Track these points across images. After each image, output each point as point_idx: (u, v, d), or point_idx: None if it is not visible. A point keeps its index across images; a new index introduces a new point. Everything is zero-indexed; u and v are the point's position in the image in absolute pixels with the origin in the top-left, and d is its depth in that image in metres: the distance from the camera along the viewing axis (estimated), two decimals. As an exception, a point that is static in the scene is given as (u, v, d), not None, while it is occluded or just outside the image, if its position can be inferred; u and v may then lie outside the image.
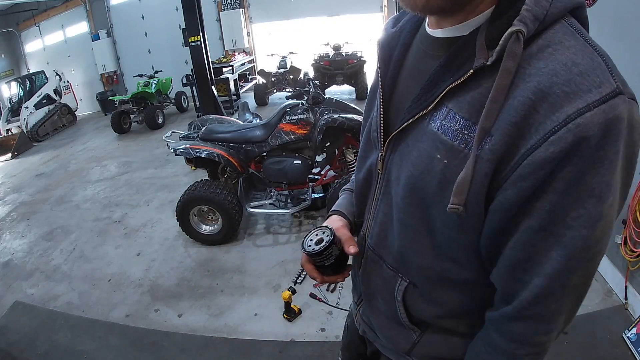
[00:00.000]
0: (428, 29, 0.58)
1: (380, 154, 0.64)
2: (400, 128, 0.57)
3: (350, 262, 0.76)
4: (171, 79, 7.91)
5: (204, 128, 3.06)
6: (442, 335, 0.67)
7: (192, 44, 5.60)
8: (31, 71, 9.40)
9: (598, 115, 0.41)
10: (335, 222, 0.77)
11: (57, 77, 8.38)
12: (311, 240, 0.68)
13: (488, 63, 0.46)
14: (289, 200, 3.05)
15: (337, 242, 0.67)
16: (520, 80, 0.44)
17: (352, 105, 3.03)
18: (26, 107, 7.51)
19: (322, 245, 0.65)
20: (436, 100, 0.51)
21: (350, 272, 0.76)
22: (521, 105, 0.43)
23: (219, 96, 6.26)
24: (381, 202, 0.66)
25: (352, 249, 0.68)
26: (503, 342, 0.56)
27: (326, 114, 2.84)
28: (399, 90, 0.63)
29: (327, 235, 0.66)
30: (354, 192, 0.78)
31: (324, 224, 0.75)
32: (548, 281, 0.48)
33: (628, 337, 1.83)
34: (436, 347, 0.69)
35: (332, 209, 0.83)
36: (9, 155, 6.72)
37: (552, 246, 0.47)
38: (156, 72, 7.64)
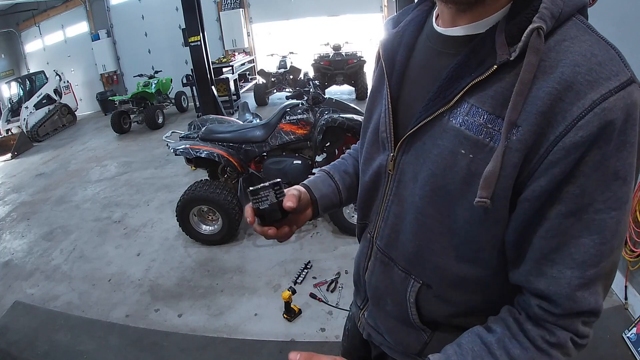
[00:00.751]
0: (438, 28, 0.59)
1: (391, 154, 0.64)
2: (417, 127, 0.57)
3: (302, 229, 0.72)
4: (171, 79, 7.91)
5: (204, 128, 3.06)
6: (454, 333, 0.66)
7: (192, 44, 5.60)
8: (31, 71, 9.41)
9: (619, 100, 0.44)
10: (293, 187, 0.77)
11: (57, 77, 8.39)
12: (259, 186, 0.67)
13: (511, 59, 0.47)
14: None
15: (279, 193, 0.67)
16: (542, 73, 0.46)
17: (352, 105, 3.03)
18: (26, 107, 7.52)
19: (260, 186, 0.66)
20: (457, 97, 0.52)
21: (287, 233, 0.73)
22: (547, 96, 0.45)
23: (219, 96, 6.26)
24: (392, 203, 0.66)
25: (289, 203, 0.67)
26: (539, 339, 0.53)
27: (326, 114, 2.84)
28: (407, 90, 0.63)
29: (272, 181, 0.67)
30: (359, 195, 0.77)
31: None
32: (583, 271, 0.49)
33: (628, 337, 1.83)
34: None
35: (303, 182, 0.83)
36: (9, 155, 6.72)
37: (582, 232, 0.47)
38: (156, 72, 7.64)
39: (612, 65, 0.46)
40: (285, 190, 0.70)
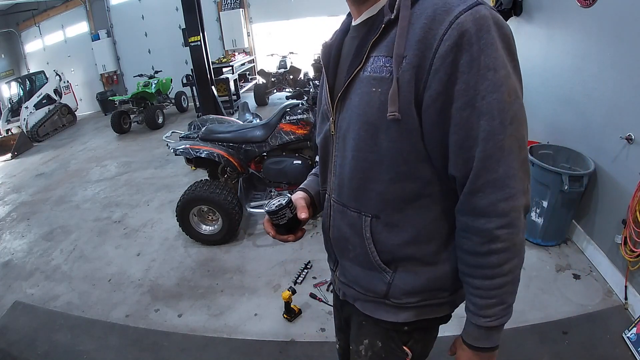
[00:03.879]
0: (353, 22, 0.78)
1: (332, 119, 0.80)
2: (344, 87, 0.73)
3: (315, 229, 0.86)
4: (171, 79, 7.91)
5: (204, 128, 3.06)
6: (412, 270, 0.79)
7: (192, 44, 5.60)
8: (31, 71, 9.41)
9: (468, 16, 0.60)
10: (297, 194, 0.94)
11: (57, 77, 8.38)
12: (273, 203, 0.83)
13: (392, 17, 0.65)
14: (289, 200, 3.04)
15: (292, 208, 0.83)
16: (416, 19, 0.63)
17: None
18: (26, 107, 7.52)
19: (277, 206, 0.81)
20: (365, 55, 0.69)
21: (302, 235, 0.89)
22: (420, 29, 0.62)
23: (219, 96, 6.25)
24: (337, 157, 0.80)
25: (303, 214, 0.84)
26: (472, 220, 0.68)
27: (326, 114, 2.84)
28: (340, 72, 0.79)
29: (284, 200, 0.82)
30: (318, 166, 0.92)
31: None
32: (484, 145, 0.62)
33: (628, 337, 1.83)
34: (409, 283, 0.79)
35: (299, 187, 0.99)
36: (9, 155, 6.72)
37: (479, 117, 0.62)
38: (156, 72, 7.64)
39: None
40: (293, 198, 0.87)
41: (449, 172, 0.69)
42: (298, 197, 0.92)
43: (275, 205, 0.81)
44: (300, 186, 0.99)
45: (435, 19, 0.61)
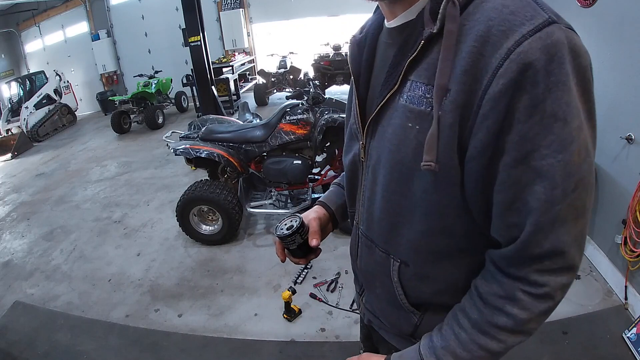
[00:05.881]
0: (386, 23, 0.64)
1: (361, 142, 0.69)
2: (375, 112, 0.62)
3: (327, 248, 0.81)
4: (171, 79, 7.90)
5: (204, 128, 3.05)
6: (443, 314, 0.67)
7: (192, 44, 5.60)
8: (31, 71, 9.41)
9: (535, 41, 0.44)
10: (311, 213, 0.85)
11: (57, 77, 8.38)
12: (285, 224, 0.78)
13: (434, 31, 0.51)
14: (289, 201, 3.05)
15: (303, 233, 0.77)
16: (464, 36, 0.49)
17: (352, 105, 3.02)
18: (26, 107, 7.52)
19: (288, 231, 0.75)
20: (400, 77, 0.56)
21: (315, 257, 0.82)
22: (468, 55, 0.48)
23: (219, 96, 6.26)
24: (366, 188, 0.70)
25: (314, 241, 0.77)
26: (501, 276, 0.56)
27: (326, 114, 2.84)
28: (373, 84, 0.68)
29: (296, 224, 0.76)
30: (345, 186, 0.83)
31: (304, 213, 0.85)
32: (536, 218, 0.49)
33: (628, 337, 1.83)
34: None
35: (319, 199, 0.91)
36: (9, 155, 6.72)
37: (534, 179, 0.48)
38: (156, 72, 7.64)
39: (526, 11, 0.46)
40: (306, 220, 0.80)
41: (490, 232, 0.57)
42: (311, 217, 0.83)
43: (286, 227, 0.76)
44: (321, 199, 0.91)
45: (489, 41, 0.47)
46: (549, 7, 0.48)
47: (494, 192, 0.52)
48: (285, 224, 0.78)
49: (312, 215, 0.83)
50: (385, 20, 0.64)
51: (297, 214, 0.80)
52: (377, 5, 0.68)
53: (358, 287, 0.89)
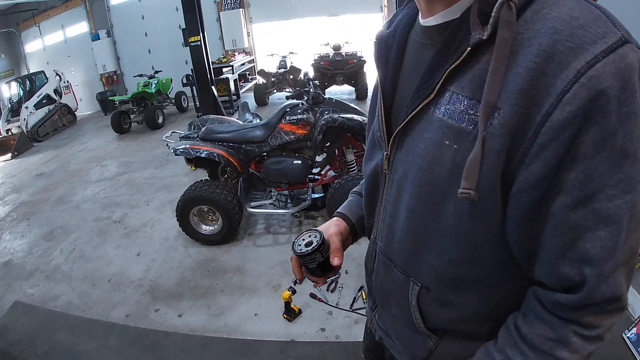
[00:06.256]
0: (421, 20, 0.57)
1: (385, 153, 0.62)
2: (404, 122, 0.55)
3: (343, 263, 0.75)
4: (171, 79, 7.91)
5: (204, 128, 3.06)
6: (461, 340, 0.63)
7: (192, 44, 5.61)
8: (31, 71, 9.41)
9: (609, 65, 0.39)
10: (331, 226, 0.78)
11: (57, 77, 8.39)
12: (303, 240, 0.72)
13: (484, 37, 0.44)
14: (289, 200, 3.05)
15: (324, 250, 0.70)
16: (520, 47, 0.42)
17: (352, 105, 3.03)
18: (26, 107, 7.52)
19: (308, 249, 0.69)
20: (438, 86, 0.50)
21: (334, 275, 0.76)
22: (527, 71, 0.41)
23: (219, 96, 6.26)
24: (388, 203, 0.64)
25: (336, 260, 0.70)
26: (550, 317, 0.50)
27: (326, 114, 2.84)
28: (401, 88, 0.61)
29: (317, 241, 0.70)
30: (363, 196, 0.76)
31: (322, 226, 0.78)
32: (597, 269, 0.44)
33: (628, 337, 1.83)
34: (455, 353, 0.65)
35: (337, 210, 0.84)
36: (9, 155, 6.72)
37: (596, 224, 0.42)
38: (156, 72, 7.64)
39: (597, 26, 0.41)
40: (326, 235, 0.73)
41: (534, 276, 0.51)
42: (332, 232, 0.75)
43: (305, 243, 0.70)
44: (340, 210, 0.83)
45: (554, 58, 0.40)
46: (619, 22, 0.43)
47: (544, 234, 0.46)
48: (304, 239, 0.72)
49: (333, 230, 0.76)
50: (420, 17, 0.57)
51: (316, 229, 0.73)
52: None
53: (371, 302, 0.82)
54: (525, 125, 0.42)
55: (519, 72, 0.42)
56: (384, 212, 0.66)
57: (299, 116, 2.84)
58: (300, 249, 0.70)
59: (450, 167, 0.49)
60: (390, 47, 0.63)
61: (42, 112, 7.79)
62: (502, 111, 0.43)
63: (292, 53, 7.43)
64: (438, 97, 0.50)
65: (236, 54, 8.35)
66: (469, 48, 0.46)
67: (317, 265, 0.71)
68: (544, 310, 0.50)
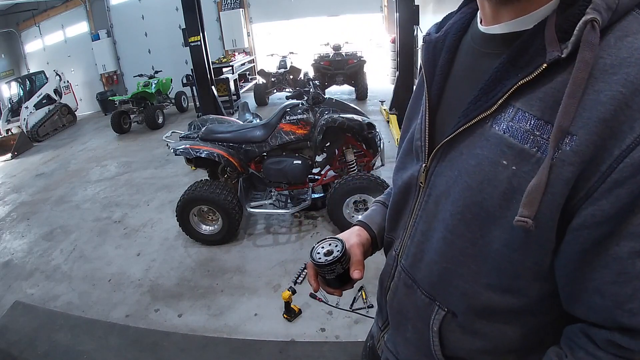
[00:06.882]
0: (482, 27, 0.54)
1: (423, 165, 0.58)
2: (454, 134, 0.51)
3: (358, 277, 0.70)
4: (171, 79, 7.91)
5: (204, 128, 3.06)
6: None
7: (192, 44, 5.60)
8: (31, 71, 9.42)
9: None
10: (353, 236, 0.73)
11: (57, 77, 8.39)
12: (322, 248, 0.68)
13: (563, 56, 0.41)
14: (289, 200, 3.05)
15: (345, 262, 0.66)
16: (602, 73, 0.40)
17: (352, 105, 3.03)
18: (26, 107, 7.52)
19: (328, 258, 0.65)
20: (501, 100, 0.46)
21: (351, 287, 0.72)
22: (611, 100, 0.39)
23: (219, 96, 6.27)
24: (420, 219, 0.60)
25: (356, 273, 0.66)
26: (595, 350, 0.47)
27: (326, 114, 2.84)
28: (448, 96, 0.58)
29: (338, 251, 0.66)
30: (389, 207, 0.71)
31: (343, 234, 0.74)
32: None
33: (628, 337, 1.83)
34: None
35: (359, 219, 0.80)
36: (9, 155, 6.72)
37: None
38: (156, 72, 7.64)
39: None
40: (348, 245, 0.68)
41: (582, 316, 0.48)
42: (354, 243, 0.71)
43: (324, 253, 0.66)
44: (362, 218, 0.79)
45: None
46: None
47: (602, 279, 0.43)
48: (323, 248, 0.67)
49: (355, 241, 0.71)
50: (482, 23, 0.54)
51: (338, 238, 0.69)
52: (464, 1, 0.60)
53: (381, 322, 0.77)
54: (600, 157, 0.39)
55: (600, 99, 0.39)
56: (414, 228, 0.62)
57: (299, 116, 2.84)
58: (319, 259, 0.66)
59: (505, 189, 0.46)
60: (439, 52, 0.60)
61: (42, 112, 7.79)
62: (576, 138, 0.40)
63: (292, 53, 7.44)
64: (499, 111, 0.47)
65: (236, 54, 8.36)
66: (544, 64, 0.43)
67: (335, 276, 0.66)
68: (596, 347, 0.47)
